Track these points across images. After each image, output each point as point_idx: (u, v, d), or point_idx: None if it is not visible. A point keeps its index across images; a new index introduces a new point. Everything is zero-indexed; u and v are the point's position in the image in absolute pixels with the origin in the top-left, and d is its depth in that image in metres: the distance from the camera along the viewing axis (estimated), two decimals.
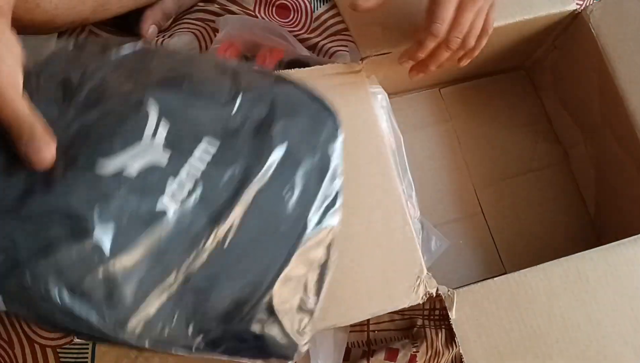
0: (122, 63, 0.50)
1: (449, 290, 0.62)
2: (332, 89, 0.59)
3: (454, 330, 0.63)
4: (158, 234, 0.44)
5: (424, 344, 0.69)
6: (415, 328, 0.70)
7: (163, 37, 0.79)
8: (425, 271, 0.62)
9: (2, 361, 0.68)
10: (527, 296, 0.63)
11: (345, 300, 0.60)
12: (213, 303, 0.47)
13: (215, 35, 0.78)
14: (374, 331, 0.71)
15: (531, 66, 0.94)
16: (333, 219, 0.52)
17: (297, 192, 0.50)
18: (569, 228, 0.88)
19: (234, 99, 0.50)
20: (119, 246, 0.42)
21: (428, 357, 0.69)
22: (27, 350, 0.68)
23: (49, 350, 0.68)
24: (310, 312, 0.52)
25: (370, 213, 0.63)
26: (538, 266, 0.64)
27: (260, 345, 0.50)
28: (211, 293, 0.47)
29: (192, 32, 0.79)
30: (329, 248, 0.53)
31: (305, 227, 0.51)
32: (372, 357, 0.69)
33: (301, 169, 0.51)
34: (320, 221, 0.51)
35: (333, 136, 0.54)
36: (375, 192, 0.64)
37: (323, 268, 0.53)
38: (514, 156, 0.90)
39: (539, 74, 0.94)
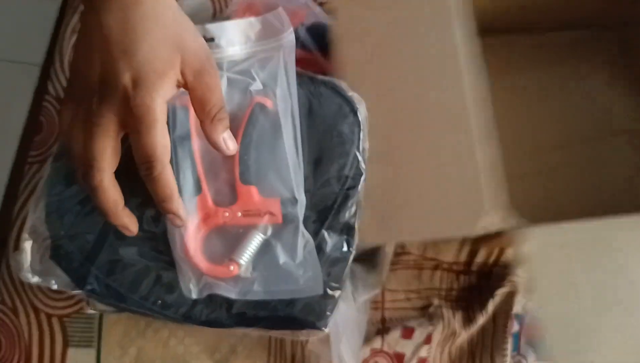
0: None
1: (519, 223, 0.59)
2: None
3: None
4: None
5: (441, 323, 0.67)
6: (431, 308, 0.69)
7: None
8: (486, 205, 0.58)
9: (6, 329, 0.66)
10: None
11: (405, 218, 0.59)
12: None
13: None
14: (389, 309, 0.69)
15: None
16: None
17: (318, 183, 0.56)
18: None
19: None
20: None
21: (444, 336, 0.68)
22: (32, 319, 0.66)
23: (54, 320, 0.66)
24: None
25: (439, 139, 0.61)
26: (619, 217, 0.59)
27: (293, 316, 0.54)
28: None
29: None
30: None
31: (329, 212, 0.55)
32: (386, 334, 0.67)
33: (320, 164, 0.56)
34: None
35: (354, 127, 0.57)
36: (445, 116, 0.62)
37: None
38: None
39: None
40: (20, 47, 1.38)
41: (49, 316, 0.66)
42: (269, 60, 0.56)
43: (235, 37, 0.56)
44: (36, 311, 0.66)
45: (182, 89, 0.48)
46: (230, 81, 0.55)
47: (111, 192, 0.46)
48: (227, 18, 0.69)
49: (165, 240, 0.53)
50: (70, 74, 0.49)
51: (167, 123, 0.46)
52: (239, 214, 0.52)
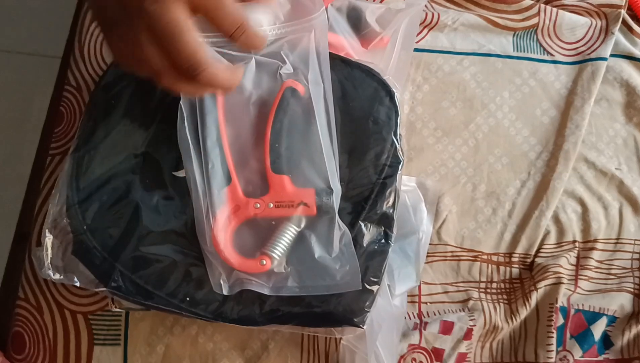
0: None
1: None
2: None
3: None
4: None
5: (481, 318, 0.64)
6: (471, 301, 0.65)
7: None
8: None
9: (30, 327, 0.64)
10: None
11: None
12: None
13: None
14: (426, 303, 0.66)
15: None
16: None
17: (355, 172, 0.53)
18: None
19: None
20: None
21: (485, 331, 0.64)
22: (57, 316, 0.64)
23: (79, 317, 0.64)
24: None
25: None
26: None
27: (329, 312, 0.51)
28: None
29: None
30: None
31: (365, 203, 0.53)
32: (424, 329, 0.64)
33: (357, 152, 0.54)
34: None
35: (392, 113, 0.55)
36: None
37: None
38: None
39: None
40: (42, 40, 1.36)
41: (74, 314, 0.64)
42: (300, 41, 0.53)
43: (264, 17, 0.52)
44: (60, 308, 0.64)
45: None
46: (258, 64, 0.52)
47: (220, 67, 0.44)
48: None
49: (194, 234, 0.50)
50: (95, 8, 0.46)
51: (195, 111, 0.44)
52: (271, 205, 0.49)
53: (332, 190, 0.49)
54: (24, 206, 0.71)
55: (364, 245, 0.51)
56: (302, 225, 0.49)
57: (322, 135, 0.49)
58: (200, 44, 0.42)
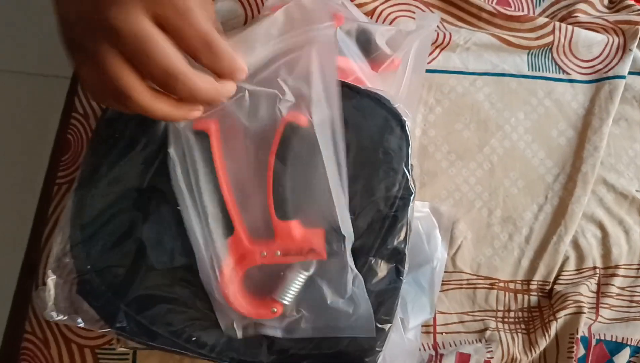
0: None
1: None
2: None
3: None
4: None
5: (499, 349, 0.62)
6: (488, 332, 0.63)
7: None
8: None
9: (37, 361, 0.63)
10: None
11: None
12: None
13: (263, 1, 0.70)
14: (441, 333, 0.64)
15: None
16: None
17: (364, 206, 0.51)
18: None
19: None
20: None
21: (503, 362, 0.62)
22: (64, 350, 0.63)
23: (87, 350, 0.63)
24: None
25: None
26: None
27: (340, 352, 0.49)
28: None
29: None
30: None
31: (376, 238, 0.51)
32: (440, 362, 0.62)
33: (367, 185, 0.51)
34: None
35: (402, 143, 0.52)
36: None
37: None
38: None
39: None
40: (55, 61, 1.36)
41: (81, 348, 0.63)
42: (298, 60, 0.48)
43: (255, 40, 0.48)
44: (67, 342, 0.63)
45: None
46: (253, 96, 0.48)
47: (201, 75, 0.40)
48: None
49: (198, 273, 0.48)
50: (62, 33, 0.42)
51: (184, 155, 0.42)
52: (278, 253, 0.47)
53: (344, 235, 0.47)
54: (31, 236, 0.70)
55: (374, 282, 0.49)
56: (312, 270, 0.47)
57: (329, 171, 0.46)
58: (175, 52, 0.38)
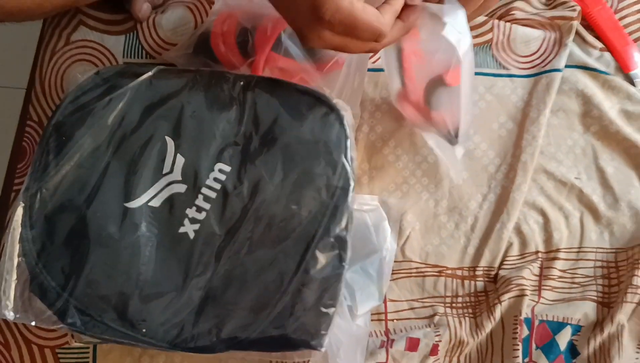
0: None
1: None
2: None
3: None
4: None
5: (447, 333, 0.64)
6: (437, 317, 0.66)
7: (156, 13, 0.73)
8: None
9: None
10: None
11: None
12: (237, 305, 0.52)
13: (210, 8, 0.72)
14: (392, 320, 0.66)
15: None
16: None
17: (306, 196, 0.53)
18: None
19: (240, 124, 0.56)
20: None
21: (451, 346, 0.65)
22: (25, 352, 0.64)
23: (47, 351, 0.64)
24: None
25: None
26: None
27: (286, 337, 0.52)
28: (233, 298, 0.52)
29: (185, 5, 0.73)
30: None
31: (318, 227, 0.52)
32: (391, 347, 0.64)
33: (308, 176, 0.54)
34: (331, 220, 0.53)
35: (342, 135, 0.55)
36: None
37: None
38: None
39: None
40: (10, 72, 1.36)
41: (42, 348, 0.64)
42: None
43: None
44: (28, 343, 0.64)
45: None
46: None
47: (395, 26, 0.52)
48: (207, 29, 0.67)
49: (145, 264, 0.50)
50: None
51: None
52: None
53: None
54: None
55: (318, 269, 0.51)
56: None
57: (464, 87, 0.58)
58: (374, 17, 0.48)
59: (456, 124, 0.63)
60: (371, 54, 0.72)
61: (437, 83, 0.59)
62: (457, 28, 0.53)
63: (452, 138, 0.65)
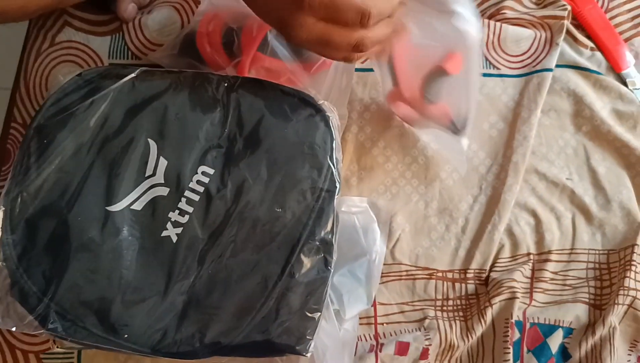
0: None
1: None
2: None
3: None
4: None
5: (437, 336, 0.64)
6: (427, 320, 0.65)
7: (142, 14, 0.72)
8: None
9: None
10: None
11: None
12: (220, 310, 0.51)
13: (197, 7, 0.72)
14: (382, 324, 0.65)
15: None
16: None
17: (290, 199, 0.52)
18: None
19: (224, 126, 0.55)
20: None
21: (441, 349, 0.64)
22: (9, 357, 0.63)
23: (31, 356, 0.63)
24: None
25: None
26: None
27: (270, 342, 0.51)
28: (217, 302, 0.51)
29: (172, 5, 0.72)
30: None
31: (303, 230, 0.52)
32: (380, 351, 0.63)
33: (293, 178, 0.53)
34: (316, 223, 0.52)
35: (327, 137, 0.55)
36: None
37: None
38: None
39: None
40: None
41: (26, 353, 0.63)
42: None
43: None
44: (12, 348, 0.63)
45: None
46: None
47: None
48: (193, 29, 0.66)
49: (127, 270, 0.50)
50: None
51: None
52: None
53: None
54: None
55: (304, 272, 0.50)
56: None
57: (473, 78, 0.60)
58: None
59: (460, 114, 0.62)
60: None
61: (436, 74, 0.58)
62: (466, 15, 0.52)
63: (456, 129, 0.64)
